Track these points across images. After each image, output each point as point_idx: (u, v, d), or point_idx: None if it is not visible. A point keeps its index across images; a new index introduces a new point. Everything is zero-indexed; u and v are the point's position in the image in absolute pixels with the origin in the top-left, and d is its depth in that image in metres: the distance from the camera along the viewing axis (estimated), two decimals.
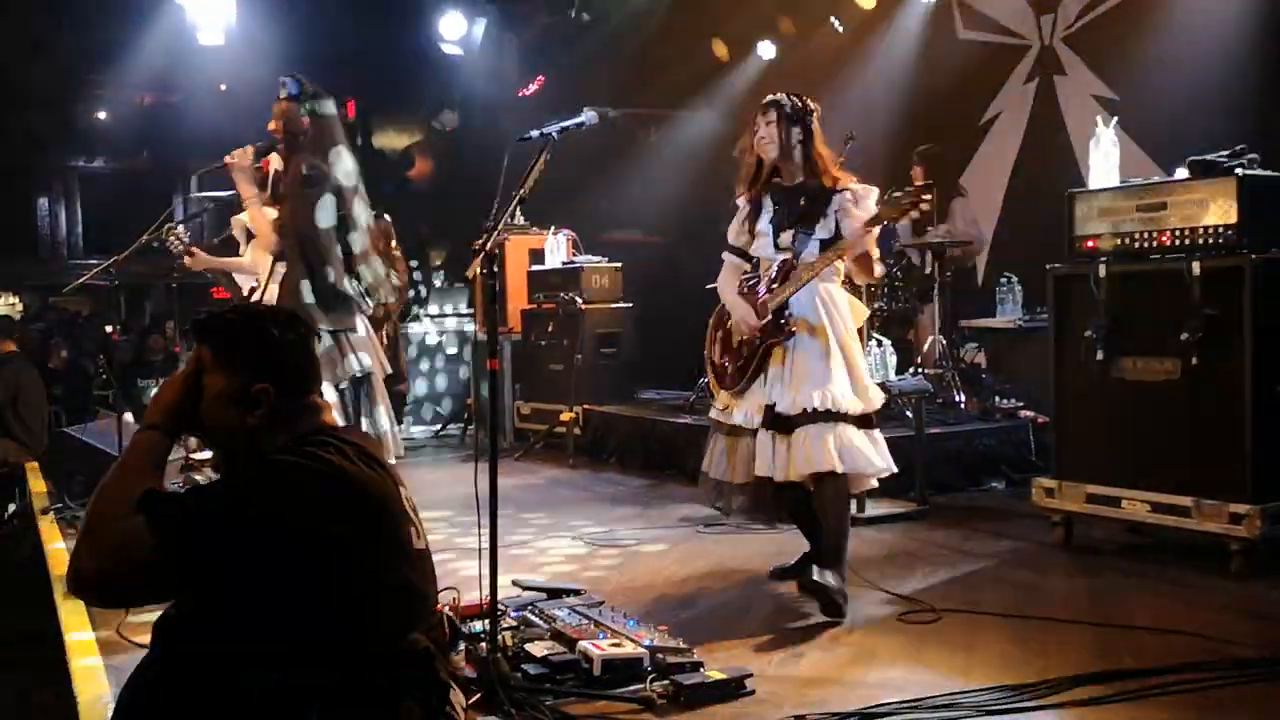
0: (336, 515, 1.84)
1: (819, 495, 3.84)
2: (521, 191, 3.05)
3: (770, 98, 3.98)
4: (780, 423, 3.81)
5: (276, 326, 2.04)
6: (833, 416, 3.75)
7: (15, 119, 12.79)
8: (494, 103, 11.42)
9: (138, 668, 1.91)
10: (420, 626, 1.98)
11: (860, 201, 3.86)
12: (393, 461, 4.47)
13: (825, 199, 3.88)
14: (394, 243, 7.98)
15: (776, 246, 3.95)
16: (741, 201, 4.11)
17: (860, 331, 4.45)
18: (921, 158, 7.30)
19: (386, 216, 8.72)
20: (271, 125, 4.48)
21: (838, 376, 3.81)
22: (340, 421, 2.16)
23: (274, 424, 1.98)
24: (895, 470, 3.99)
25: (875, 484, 4.10)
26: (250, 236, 5.67)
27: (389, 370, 4.75)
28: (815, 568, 3.68)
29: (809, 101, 3.98)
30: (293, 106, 4.44)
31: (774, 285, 3.91)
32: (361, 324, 4.54)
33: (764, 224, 4.00)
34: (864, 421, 3.85)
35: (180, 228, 5.82)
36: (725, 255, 4.15)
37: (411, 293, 8.24)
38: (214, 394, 1.98)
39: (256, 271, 5.21)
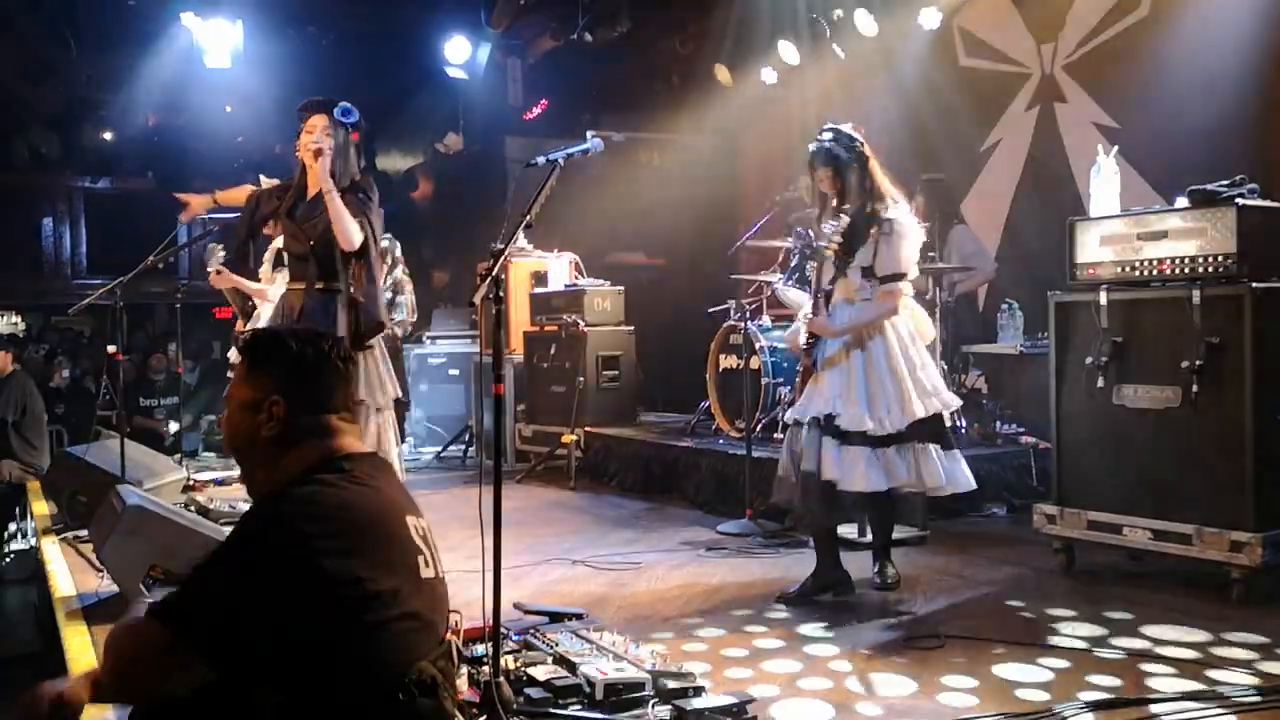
0: (331, 551, 1.84)
1: (872, 507, 4.22)
2: (529, 216, 3.07)
3: (818, 145, 4.19)
4: (840, 433, 4.07)
5: (301, 344, 2.08)
6: (890, 439, 4.04)
7: (21, 138, 12.85)
8: (497, 126, 11.48)
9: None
10: (427, 655, 1.97)
11: (889, 246, 4.08)
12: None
13: (867, 226, 4.09)
14: (401, 267, 8.01)
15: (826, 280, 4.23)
16: (812, 231, 4.50)
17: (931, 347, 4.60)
18: (923, 187, 7.34)
19: (389, 239, 8.76)
20: (319, 144, 4.58)
21: (853, 396, 4.05)
22: (367, 446, 2.17)
23: (286, 439, 2.01)
24: (961, 485, 4.17)
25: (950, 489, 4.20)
26: (280, 261, 5.79)
27: (399, 394, 4.82)
28: (877, 565, 4.26)
29: (856, 133, 4.21)
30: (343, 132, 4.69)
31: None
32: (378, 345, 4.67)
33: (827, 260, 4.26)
34: (875, 440, 4.04)
35: (220, 247, 6.13)
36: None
37: (414, 316, 8.25)
38: (236, 404, 2.06)
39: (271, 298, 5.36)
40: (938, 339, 6.63)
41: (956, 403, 4.31)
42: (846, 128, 4.25)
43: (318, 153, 4.55)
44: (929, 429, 4.11)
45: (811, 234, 4.54)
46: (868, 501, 4.10)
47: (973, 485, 4.24)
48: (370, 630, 1.86)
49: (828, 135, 4.23)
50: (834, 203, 4.21)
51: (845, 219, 4.08)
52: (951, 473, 4.13)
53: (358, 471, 1.98)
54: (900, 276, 4.11)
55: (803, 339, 4.25)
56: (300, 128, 4.72)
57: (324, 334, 2.18)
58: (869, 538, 5.12)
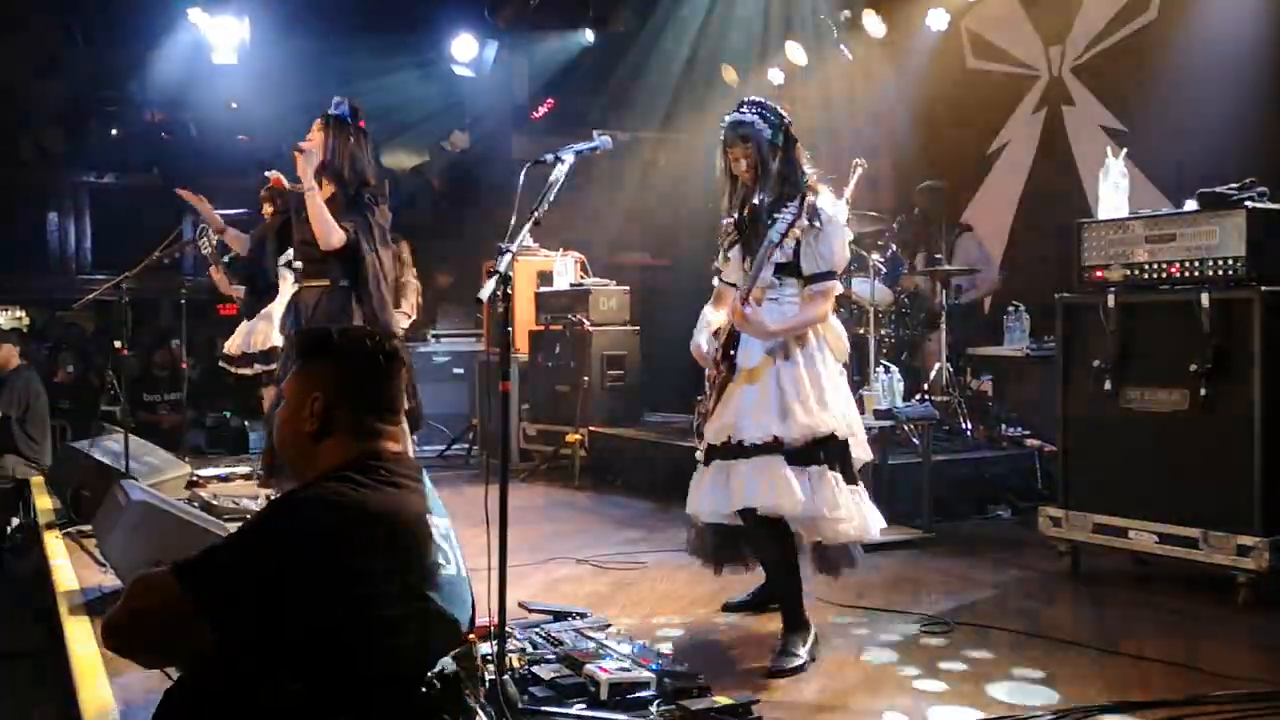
0: (350, 547, 1.87)
1: (752, 537, 3.66)
2: (537, 214, 3.06)
3: (740, 118, 3.61)
4: (716, 454, 3.59)
5: (345, 341, 2.11)
6: (774, 449, 3.45)
7: (28, 134, 12.87)
8: (504, 124, 11.48)
9: (168, 691, 1.93)
10: (449, 651, 2.00)
11: (820, 240, 3.51)
12: None
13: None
14: (410, 267, 8.02)
15: (742, 271, 3.68)
16: (726, 223, 3.81)
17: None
18: (922, 194, 7.34)
19: (396, 240, 8.77)
20: (302, 144, 4.67)
21: (767, 408, 3.49)
22: (409, 450, 2.21)
23: (323, 435, 2.04)
24: (867, 533, 3.64)
25: (855, 533, 3.61)
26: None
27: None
28: (777, 650, 3.44)
29: (784, 111, 3.67)
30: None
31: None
32: None
33: (736, 249, 3.77)
34: (801, 458, 3.48)
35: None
36: (714, 282, 3.92)
37: (417, 316, 8.26)
38: (286, 399, 2.10)
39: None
40: (941, 340, 6.65)
41: (864, 451, 3.71)
42: (773, 103, 3.68)
43: (300, 151, 4.61)
44: (834, 452, 3.55)
45: (728, 221, 3.74)
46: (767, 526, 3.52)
47: (876, 532, 3.67)
48: (389, 624, 1.88)
49: (750, 108, 3.63)
50: (746, 187, 3.65)
51: (790, 211, 3.43)
52: (862, 512, 3.59)
53: (385, 472, 2.00)
54: (831, 275, 3.56)
55: (708, 345, 3.73)
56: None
57: (372, 333, 2.19)
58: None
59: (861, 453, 3.69)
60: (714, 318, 3.84)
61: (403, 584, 1.92)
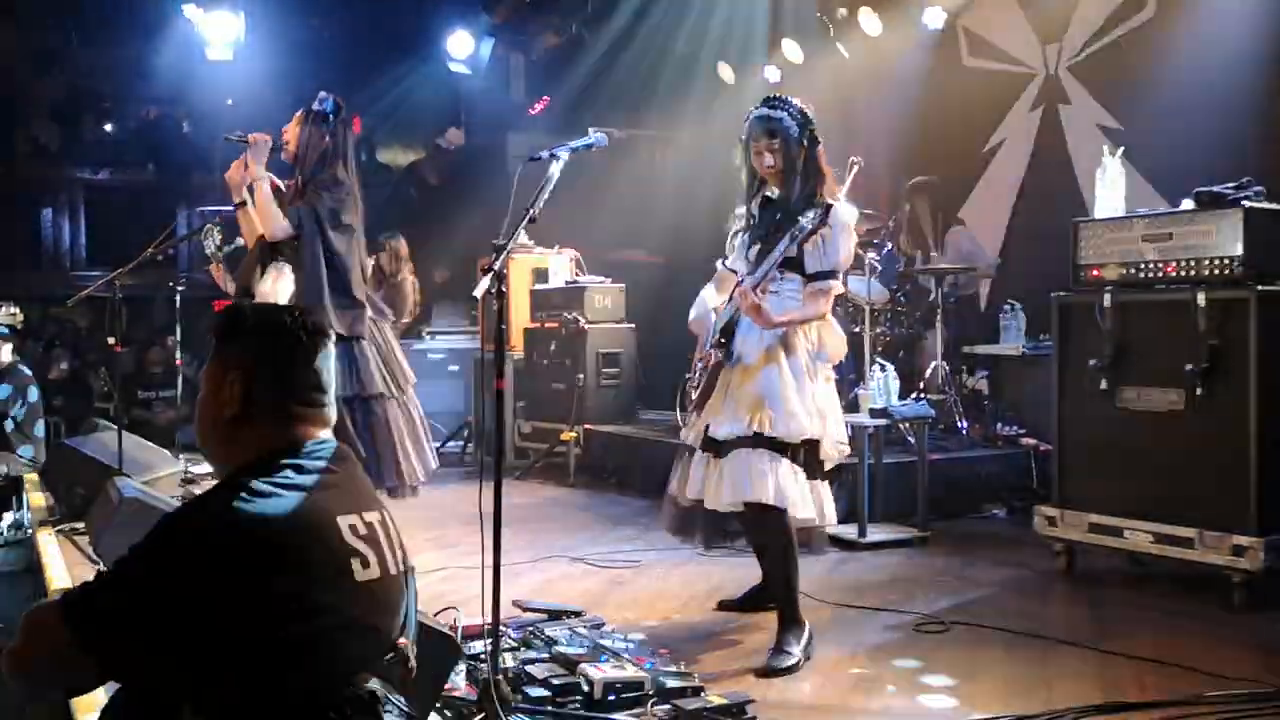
0: (245, 568, 1.70)
1: (754, 529, 3.71)
2: (532, 211, 3.04)
3: (769, 114, 3.69)
4: (713, 445, 3.65)
5: (261, 319, 1.96)
6: (763, 443, 3.50)
7: (22, 130, 12.83)
8: (500, 121, 11.46)
9: (105, 706, 1.85)
10: (369, 665, 1.83)
11: (827, 240, 3.57)
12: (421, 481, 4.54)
13: (800, 218, 3.55)
14: (407, 262, 8.01)
15: (747, 261, 3.74)
16: (738, 212, 3.89)
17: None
18: (915, 190, 7.34)
19: (388, 237, 8.76)
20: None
21: (768, 402, 3.52)
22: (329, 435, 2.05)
23: (241, 421, 1.89)
24: (824, 521, 3.73)
25: (822, 524, 3.73)
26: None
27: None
28: (771, 649, 3.47)
29: (808, 110, 3.73)
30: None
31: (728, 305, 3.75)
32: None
33: (742, 237, 3.82)
34: (788, 453, 3.54)
35: (218, 228, 6.27)
36: (717, 264, 3.99)
37: (416, 310, 8.26)
38: (204, 383, 1.94)
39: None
40: (939, 338, 6.64)
41: (838, 451, 3.73)
42: (798, 101, 3.73)
43: (247, 141, 4.66)
44: (813, 451, 3.62)
45: (741, 211, 3.79)
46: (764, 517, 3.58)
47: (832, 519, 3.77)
48: (289, 646, 1.72)
49: (779, 105, 3.70)
50: (768, 183, 3.73)
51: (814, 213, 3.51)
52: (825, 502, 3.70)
53: (297, 470, 1.84)
54: (834, 274, 3.61)
55: (720, 320, 3.75)
56: None
57: (292, 308, 2.02)
58: (867, 538, 5.13)
59: (835, 453, 3.72)
60: (712, 299, 3.91)
61: (305, 602, 1.74)
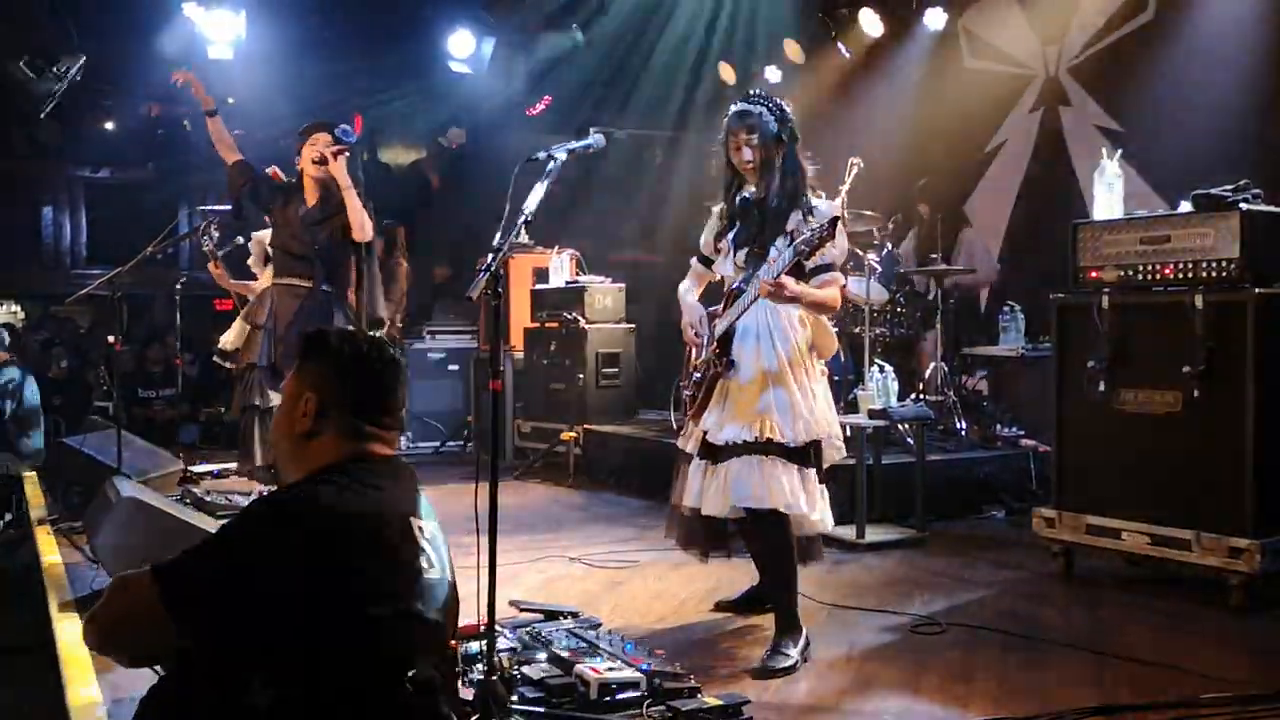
0: (328, 550, 1.85)
1: (752, 535, 3.69)
2: (530, 212, 3.04)
3: (747, 108, 3.64)
4: (710, 452, 3.64)
5: (340, 344, 2.11)
6: (773, 449, 3.49)
7: (21, 128, 12.82)
8: (501, 121, 11.45)
9: (151, 688, 1.92)
10: (428, 656, 1.97)
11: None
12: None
13: (784, 217, 3.58)
14: (401, 250, 8.01)
15: (735, 265, 3.71)
16: (717, 210, 3.84)
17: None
18: (922, 192, 7.36)
19: (389, 225, 8.75)
20: (334, 149, 5.11)
21: (775, 408, 3.51)
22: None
23: (313, 436, 2.05)
24: (827, 527, 3.72)
25: (822, 528, 3.72)
26: (267, 259, 5.91)
27: None
28: (768, 650, 3.46)
29: (786, 107, 3.68)
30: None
31: (724, 310, 3.71)
32: None
33: (728, 239, 3.75)
34: (798, 458, 3.54)
35: (215, 225, 6.62)
36: (692, 261, 3.95)
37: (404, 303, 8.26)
38: (283, 396, 2.13)
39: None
40: (936, 339, 6.64)
41: (838, 452, 3.72)
42: (778, 98, 3.69)
43: (337, 153, 5.03)
44: (818, 453, 3.62)
45: (720, 208, 3.75)
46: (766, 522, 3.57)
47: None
48: (363, 627, 1.85)
49: (757, 100, 3.65)
50: (745, 179, 3.69)
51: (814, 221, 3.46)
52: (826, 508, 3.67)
53: (370, 473, 1.99)
54: (831, 268, 3.57)
55: (720, 327, 3.69)
56: (299, 145, 5.23)
57: (370, 338, 2.20)
58: (865, 539, 5.13)
59: (834, 454, 3.72)
60: (689, 296, 3.94)
61: (382, 587, 1.90)
